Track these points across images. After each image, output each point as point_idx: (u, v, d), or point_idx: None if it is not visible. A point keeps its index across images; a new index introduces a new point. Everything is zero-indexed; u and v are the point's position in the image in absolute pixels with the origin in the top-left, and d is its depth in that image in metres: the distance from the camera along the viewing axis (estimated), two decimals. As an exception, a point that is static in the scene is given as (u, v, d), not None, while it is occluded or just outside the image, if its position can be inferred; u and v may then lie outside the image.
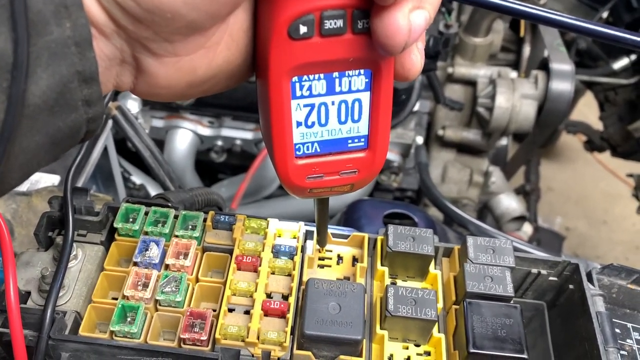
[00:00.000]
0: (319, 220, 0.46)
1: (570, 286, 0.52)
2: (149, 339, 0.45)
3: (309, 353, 0.44)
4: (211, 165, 1.32)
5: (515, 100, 1.21)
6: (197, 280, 0.49)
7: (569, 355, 0.52)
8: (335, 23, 0.30)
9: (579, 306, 0.50)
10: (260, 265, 0.49)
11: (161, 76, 0.33)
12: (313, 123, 0.34)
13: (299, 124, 0.34)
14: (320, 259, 0.53)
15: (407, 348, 0.47)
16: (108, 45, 0.31)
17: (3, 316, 0.44)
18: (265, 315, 0.46)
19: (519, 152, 1.48)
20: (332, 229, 0.53)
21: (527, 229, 1.42)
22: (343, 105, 0.34)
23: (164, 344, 0.45)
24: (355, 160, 0.36)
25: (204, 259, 0.50)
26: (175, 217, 0.51)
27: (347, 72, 0.33)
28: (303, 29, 0.30)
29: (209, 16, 0.30)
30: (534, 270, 0.53)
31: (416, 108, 1.20)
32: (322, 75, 0.33)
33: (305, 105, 0.34)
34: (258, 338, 0.44)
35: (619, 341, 0.49)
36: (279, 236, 0.51)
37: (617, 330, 0.50)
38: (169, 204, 0.53)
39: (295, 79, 0.32)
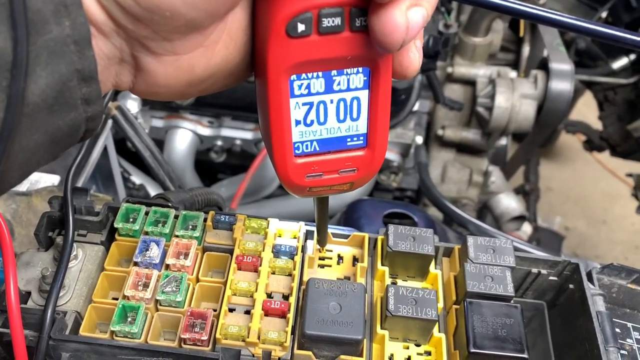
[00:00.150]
0: (319, 220, 0.46)
1: (571, 286, 0.52)
2: (149, 339, 0.45)
3: (310, 353, 0.44)
4: (211, 165, 1.32)
5: (514, 100, 1.21)
6: (198, 280, 0.49)
7: (569, 355, 0.52)
8: (333, 21, 0.30)
9: (579, 306, 0.50)
10: (260, 265, 0.49)
11: (160, 75, 0.33)
12: (312, 121, 0.34)
13: (297, 122, 0.34)
14: (321, 258, 0.53)
15: (407, 348, 0.47)
16: (107, 44, 0.31)
17: (3, 316, 0.44)
18: (266, 315, 0.46)
19: (518, 152, 1.48)
20: (332, 229, 0.53)
21: (527, 228, 1.42)
22: (342, 104, 0.34)
23: (165, 344, 0.45)
24: (354, 158, 0.36)
25: (204, 259, 0.50)
26: (176, 217, 0.51)
27: (345, 70, 0.33)
28: (301, 27, 0.30)
29: (207, 15, 0.30)
30: (534, 270, 0.53)
31: (416, 108, 1.20)
32: (320, 74, 0.33)
33: (304, 104, 0.34)
34: (259, 338, 0.44)
35: (619, 341, 0.50)
36: (280, 236, 0.51)
37: (617, 330, 0.50)
38: (169, 204, 0.53)
39: (293, 77, 0.32)
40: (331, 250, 0.53)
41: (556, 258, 0.53)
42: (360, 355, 0.45)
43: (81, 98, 0.31)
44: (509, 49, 1.47)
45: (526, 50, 1.42)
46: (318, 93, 0.33)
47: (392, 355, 0.46)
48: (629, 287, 0.54)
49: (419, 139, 1.27)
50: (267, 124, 0.34)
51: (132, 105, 1.06)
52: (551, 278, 0.54)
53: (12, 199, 0.66)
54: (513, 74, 1.29)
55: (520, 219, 1.36)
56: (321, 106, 0.34)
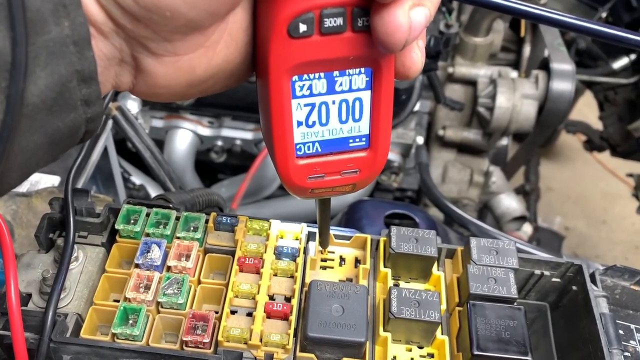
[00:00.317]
0: (321, 222, 0.46)
1: (574, 287, 0.52)
2: (150, 341, 0.44)
3: (312, 355, 0.44)
4: (211, 166, 1.32)
5: (515, 100, 1.21)
6: (199, 282, 0.48)
7: (572, 357, 0.51)
8: (335, 21, 0.30)
9: (582, 307, 0.50)
10: (262, 267, 0.48)
11: (160, 76, 0.32)
12: (314, 122, 0.34)
13: (299, 123, 0.34)
14: (323, 260, 0.52)
15: (410, 350, 0.47)
16: (107, 45, 0.31)
17: (4, 319, 0.44)
18: (268, 317, 0.46)
19: (519, 152, 1.48)
20: (334, 230, 0.53)
21: (527, 228, 1.42)
22: (344, 105, 0.34)
23: (166, 347, 0.44)
24: (356, 159, 0.36)
25: (205, 261, 0.50)
26: (177, 218, 0.51)
27: (347, 70, 0.33)
28: (303, 28, 0.30)
29: (208, 15, 0.30)
30: (537, 272, 0.53)
31: (417, 108, 1.19)
32: (322, 74, 0.32)
33: (305, 105, 0.33)
34: (261, 340, 0.44)
35: (623, 343, 0.49)
36: (281, 237, 0.51)
37: (621, 332, 0.50)
38: (170, 206, 0.52)
39: (295, 78, 0.32)
40: (333, 252, 0.53)
41: (559, 259, 0.53)
42: (363, 358, 0.45)
43: (81, 99, 0.30)
44: (509, 49, 1.46)
45: (527, 50, 1.42)
46: (320, 94, 0.33)
47: (394, 357, 0.46)
48: (632, 288, 0.54)
49: (420, 139, 1.27)
50: (268, 125, 0.34)
51: (132, 105, 1.06)
52: (554, 279, 0.53)
53: (12, 200, 0.66)
54: (514, 74, 1.29)
55: (521, 219, 1.35)
56: (323, 107, 0.34)
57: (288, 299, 0.47)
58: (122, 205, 0.50)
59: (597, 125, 1.69)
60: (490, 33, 1.29)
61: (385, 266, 0.51)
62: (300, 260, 0.49)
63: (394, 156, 1.22)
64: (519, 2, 0.39)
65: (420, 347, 0.47)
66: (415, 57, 0.33)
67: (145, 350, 0.43)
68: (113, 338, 0.44)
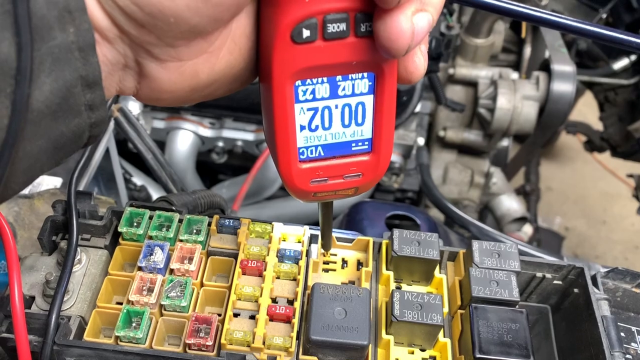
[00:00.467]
0: (324, 224, 0.46)
1: (575, 290, 0.52)
2: (154, 344, 0.45)
3: (315, 358, 0.44)
4: (212, 167, 1.32)
5: (516, 101, 1.21)
6: (202, 284, 0.48)
7: None
8: (338, 27, 0.30)
9: (584, 310, 0.50)
10: (265, 270, 0.48)
11: (164, 81, 0.33)
12: (317, 127, 0.34)
13: (302, 127, 0.34)
14: (325, 263, 0.52)
15: (412, 353, 0.47)
16: (111, 51, 0.31)
17: (8, 321, 0.44)
18: (271, 320, 0.46)
19: (519, 153, 1.48)
20: (336, 233, 0.53)
21: (527, 229, 1.42)
22: (347, 109, 0.34)
23: (169, 349, 0.45)
24: (359, 163, 0.36)
25: (208, 264, 0.50)
26: (180, 221, 0.51)
27: (350, 75, 0.33)
28: (306, 33, 0.30)
29: (211, 20, 0.30)
30: (539, 274, 0.53)
31: (417, 109, 1.19)
32: (325, 79, 0.33)
33: (308, 109, 0.34)
34: (264, 343, 0.44)
35: (624, 345, 0.49)
36: (284, 240, 0.51)
37: (622, 334, 0.50)
38: (173, 208, 0.53)
39: (298, 82, 0.32)
40: (335, 255, 0.53)
41: (561, 262, 0.53)
42: (366, 361, 0.45)
43: (85, 104, 0.30)
44: (510, 50, 1.47)
45: (528, 51, 1.42)
46: (323, 98, 0.33)
47: (397, 360, 0.46)
48: (633, 291, 0.54)
49: (421, 140, 1.27)
50: (271, 129, 0.34)
51: (134, 106, 1.06)
52: (556, 282, 0.53)
53: (15, 201, 0.66)
54: (515, 75, 1.29)
55: (522, 220, 1.36)
56: (326, 111, 0.34)
57: (291, 302, 0.48)
58: (124, 207, 0.50)
59: (598, 125, 1.69)
60: (491, 34, 1.29)
61: (387, 269, 0.51)
62: (302, 262, 0.49)
63: (394, 157, 1.22)
64: (520, 4, 0.39)
65: (423, 350, 0.47)
66: (418, 62, 0.34)
67: (148, 353, 0.43)
68: (116, 341, 0.44)
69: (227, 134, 1.20)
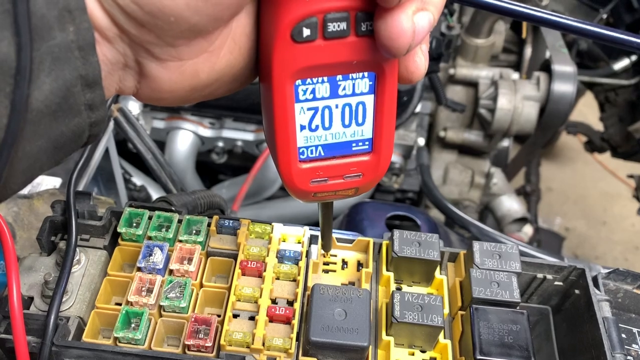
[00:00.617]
0: (324, 225, 0.46)
1: (576, 291, 0.52)
2: (153, 345, 0.44)
3: None
4: (212, 167, 1.32)
5: (517, 101, 1.21)
6: (202, 285, 0.48)
7: (574, 361, 0.51)
8: (338, 26, 0.30)
9: (585, 311, 0.50)
10: (264, 271, 0.48)
11: (164, 80, 0.32)
12: (317, 126, 0.34)
13: (302, 127, 0.34)
14: (325, 263, 0.52)
15: (413, 354, 0.47)
16: (111, 50, 0.31)
17: (6, 322, 0.44)
18: (271, 321, 0.46)
19: (520, 154, 1.48)
20: (336, 234, 0.53)
21: (528, 230, 1.42)
22: (347, 109, 0.34)
23: (168, 351, 0.44)
24: (359, 163, 0.36)
25: (208, 264, 0.49)
26: (179, 221, 0.51)
27: (350, 74, 0.33)
28: (306, 32, 0.30)
29: (212, 20, 0.30)
30: (540, 275, 0.53)
31: (418, 109, 1.19)
32: (325, 78, 0.32)
33: (309, 109, 0.33)
34: (263, 344, 0.44)
35: (625, 346, 0.49)
36: (284, 241, 0.51)
37: (623, 336, 0.50)
38: (172, 208, 0.52)
39: (298, 82, 0.32)
40: (335, 255, 0.53)
41: (562, 263, 0.52)
42: (366, 362, 0.45)
43: (85, 104, 0.30)
44: (511, 51, 1.46)
45: (528, 51, 1.42)
46: (323, 98, 0.33)
47: (397, 361, 0.46)
48: (634, 292, 0.54)
49: (421, 141, 1.27)
50: (271, 129, 0.34)
51: (134, 106, 1.06)
52: (556, 283, 0.53)
53: (14, 201, 0.66)
54: (515, 75, 1.29)
55: (522, 220, 1.35)
56: (326, 111, 0.34)
57: (290, 303, 0.47)
58: (124, 208, 0.50)
59: (598, 126, 1.69)
60: (491, 34, 1.29)
61: (387, 270, 0.51)
62: (302, 263, 0.49)
63: (395, 157, 1.22)
64: (521, 4, 0.39)
65: (423, 352, 0.47)
66: (419, 62, 0.33)
67: (147, 354, 0.43)
68: (115, 342, 0.44)
69: (227, 134, 1.20)
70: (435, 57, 1.02)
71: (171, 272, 0.48)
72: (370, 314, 0.45)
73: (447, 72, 1.30)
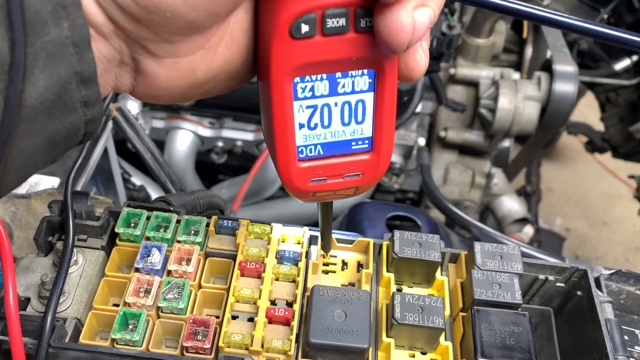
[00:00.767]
0: (323, 225, 0.45)
1: (578, 292, 0.52)
2: (150, 347, 0.44)
3: (314, 361, 0.44)
4: (212, 167, 1.31)
5: (518, 101, 1.21)
6: (200, 286, 0.48)
7: (576, 363, 0.51)
8: (337, 22, 0.29)
9: (587, 313, 0.50)
10: (264, 272, 0.48)
11: (161, 77, 0.32)
12: (316, 125, 0.34)
13: (301, 125, 0.33)
14: (325, 264, 0.52)
15: (413, 356, 0.46)
16: (106, 46, 0.30)
17: (2, 323, 0.43)
18: (270, 322, 0.45)
19: (521, 154, 1.47)
20: (336, 234, 0.52)
21: (528, 230, 1.41)
22: (346, 107, 0.33)
23: (166, 352, 0.44)
24: (359, 162, 0.36)
25: (206, 265, 0.49)
26: (178, 221, 0.50)
27: (350, 72, 0.32)
28: (305, 28, 0.29)
29: (209, 15, 0.29)
30: (541, 276, 0.52)
31: (418, 109, 1.19)
32: (324, 76, 0.32)
33: (307, 107, 0.33)
34: (262, 346, 0.43)
35: (628, 348, 0.49)
36: (283, 241, 0.50)
37: (625, 337, 0.50)
38: (171, 208, 0.52)
39: (297, 79, 0.32)
40: (335, 256, 0.52)
41: (564, 264, 0.52)
42: (366, 364, 0.44)
43: (80, 101, 0.30)
44: (511, 50, 1.46)
45: (529, 51, 1.41)
46: (322, 96, 0.33)
47: (397, 363, 0.46)
48: (637, 293, 0.54)
49: (422, 141, 1.26)
50: (270, 128, 0.34)
51: (133, 106, 1.05)
52: (558, 284, 0.53)
53: (12, 201, 0.65)
54: (516, 75, 1.29)
55: (523, 221, 1.35)
56: (325, 109, 0.33)
57: (290, 304, 0.47)
58: (122, 208, 0.50)
59: (599, 126, 1.69)
60: (492, 34, 1.28)
61: (388, 271, 0.50)
62: (302, 264, 0.49)
63: (395, 157, 1.22)
64: (521, 3, 0.39)
65: (424, 353, 0.47)
66: (419, 59, 0.33)
67: (145, 356, 0.43)
68: (112, 343, 0.44)
69: (227, 133, 1.20)
70: (436, 57, 1.02)
71: (169, 272, 0.47)
72: (370, 316, 0.44)
73: (448, 72, 1.30)
